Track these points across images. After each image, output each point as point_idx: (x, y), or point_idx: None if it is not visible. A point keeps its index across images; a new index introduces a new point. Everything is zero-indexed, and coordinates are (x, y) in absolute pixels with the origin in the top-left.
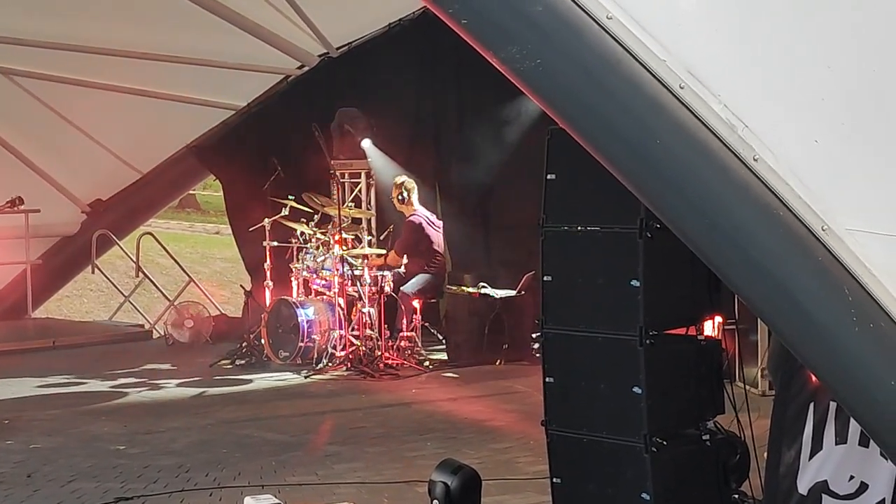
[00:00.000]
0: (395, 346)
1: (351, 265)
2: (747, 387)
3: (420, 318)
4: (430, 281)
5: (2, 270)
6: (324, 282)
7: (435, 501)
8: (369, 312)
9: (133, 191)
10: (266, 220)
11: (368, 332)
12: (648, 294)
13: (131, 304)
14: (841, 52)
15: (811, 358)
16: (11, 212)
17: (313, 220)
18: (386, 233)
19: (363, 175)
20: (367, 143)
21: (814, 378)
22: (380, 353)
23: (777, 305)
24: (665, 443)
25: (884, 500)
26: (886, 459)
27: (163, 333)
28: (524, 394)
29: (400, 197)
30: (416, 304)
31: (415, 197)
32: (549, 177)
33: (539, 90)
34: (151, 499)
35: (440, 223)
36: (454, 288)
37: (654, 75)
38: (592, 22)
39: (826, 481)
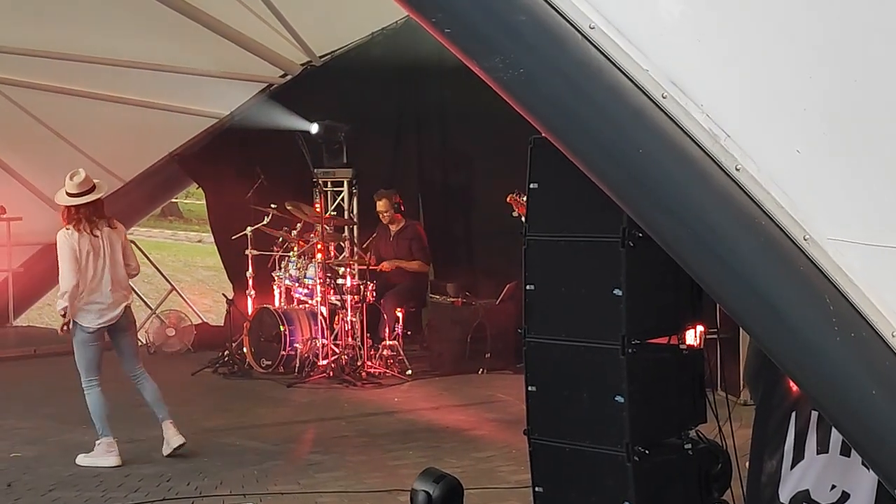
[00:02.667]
0: (377, 355)
1: (334, 273)
2: (729, 396)
3: (402, 326)
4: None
5: None
6: (306, 290)
7: None
8: (351, 321)
9: (115, 199)
10: (248, 228)
11: (351, 340)
12: (630, 303)
13: None
14: (822, 63)
15: (793, 367)
16: None
17: (296, 230)
18: (368, 241)
19: (346, 184)
20: None
21: (795, 387)
22: (362, 362)
23: (758, 315)
24: (647, 452)
25: None
26: (868, 469)
27: (145, 342)
28: (506, 402)
29: (396, 207)
30: (398, 312)
31: None
32: (531, 186)
33: (522, 100)
34: None
35: None
36: (437, 297)
37: (636, 85)
38: (575, 31)
39: (808, 490)
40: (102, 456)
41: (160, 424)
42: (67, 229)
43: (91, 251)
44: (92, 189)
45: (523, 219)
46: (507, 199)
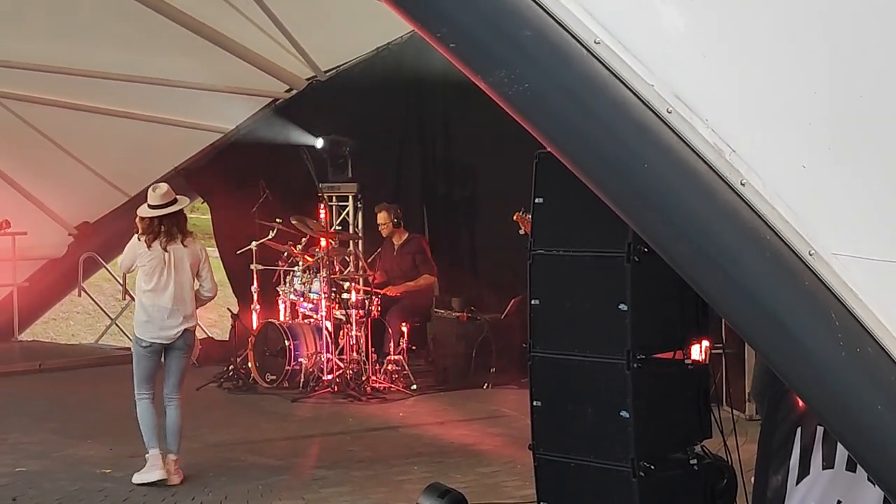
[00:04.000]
0: (382, 370)
1: (339, 288)
2: (734, 411)
3: (407, 341)
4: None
5: None
6: (311, 305)
7: None
8: (356, 336)
9: (120, 213)
10: (253, 243)
11: (355, 355)
12: (636, 318)
13: (118, 326)
14: (827, 78)
15: (798, 382)
16: None
17: (300, 244)
18: (373, 256)
19: (350, 198)
20: None
21: (801, 403)
22: (367, 377)
23: (764, 330)
24: (652, 467)
25: None
26: (874, 484)
27: None
28: (511, 417)
29: (395, 221)
30: (403, 327)
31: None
32: (537, 200)
33: (527, 114)
34: None
35: None
36: (442, 311)
37: (641, 99)
38: (580, 46)
39: None
40: (149, 471)
41: (167, 450)
42: (140, 239)
43: (157, 266)
44: (173, 202)
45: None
46: (514, 218)
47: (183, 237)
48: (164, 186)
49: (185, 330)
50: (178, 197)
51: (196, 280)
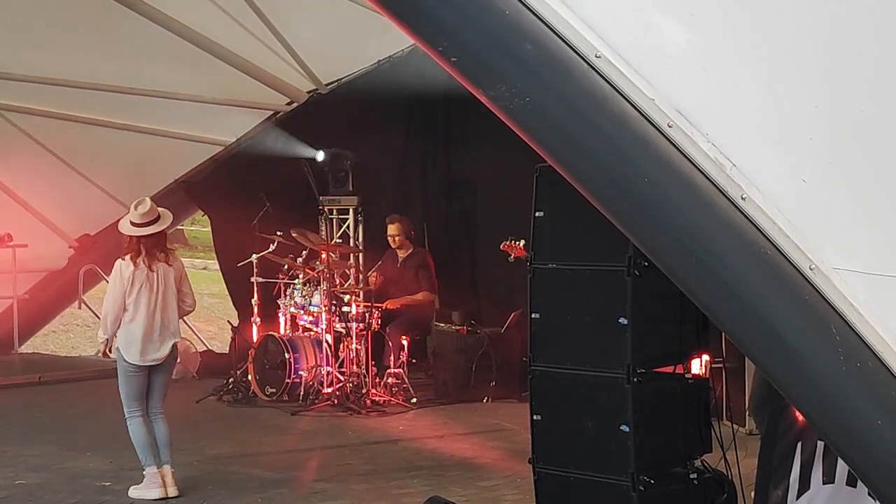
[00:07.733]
0: (382, 383)
1: (340, 301)
2: (735, 425)
3: (407, 354)
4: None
5: None
6: (311, 318)
7: None
8: (356, 349)
9: None
10: (254, 255)
11: (355, 368)
12: (636, 332)
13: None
14: (827, 92)
15: (798, 397)
16: None
17: (301, 257)
18: (374, 269)
19: (351, 211)
20: None
21: (801, 417)
22: (367, 390)
23: (764, 344)
24: (652, 481)
25: None
26: (874, 499)
27: None
28: (511, 431)
29: (407, 233)
30: (403, 340)
31: None
32: (537, 214)
33: (528, 128)
34: None
35: None
36: (442, 325)
37: (642, 113)
38: (581, 60)
39: None
40: (146, 488)
41: (162, 463)
42: (124, 259)
43: (144, 286)
44: (157, 219)
45: (524, 260)
46: (501, 248)
47: (166, 256)
48: (147, 203)
49: (173, 345)
50: (160, 212)
51: (177, 294)
